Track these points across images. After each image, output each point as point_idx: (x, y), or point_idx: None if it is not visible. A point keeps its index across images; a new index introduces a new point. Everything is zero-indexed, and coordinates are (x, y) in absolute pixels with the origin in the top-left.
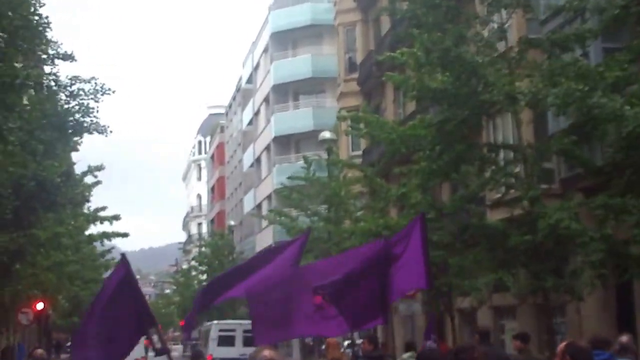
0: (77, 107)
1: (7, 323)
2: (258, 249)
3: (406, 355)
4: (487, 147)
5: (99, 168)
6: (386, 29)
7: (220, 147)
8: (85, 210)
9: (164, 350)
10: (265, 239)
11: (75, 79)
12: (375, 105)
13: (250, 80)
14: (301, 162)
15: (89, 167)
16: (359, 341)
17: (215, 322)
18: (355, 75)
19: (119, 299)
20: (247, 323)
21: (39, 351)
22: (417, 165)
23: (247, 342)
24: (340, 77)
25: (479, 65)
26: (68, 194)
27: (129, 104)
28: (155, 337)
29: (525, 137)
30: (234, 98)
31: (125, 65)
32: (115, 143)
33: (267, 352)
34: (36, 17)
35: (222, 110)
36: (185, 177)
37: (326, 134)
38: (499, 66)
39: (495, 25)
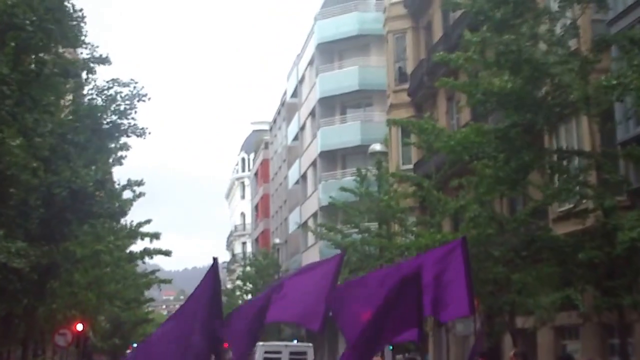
0: (113, 109)
1: (43, 344)
2: None
3: None
4: (558, 153)
5: (139, 183)
6: (438, 36)
7: (265, 163)
8: (125, 224)
9: None
10: (311, 256)
11: (113, 81)
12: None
13: (295, 94)
14: (347, 178)
15: (129, 180)
16: None
17: (261, 343)
18: (406, 85)
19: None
20: (293, 344)
21: None
22: (475, 177)
23: None
24: (390, 87)
25: (551, 65)
26: (104, 203)
27: (170, 124)
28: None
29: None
30: (278, 113)
31: (163, 82)
32: (157, 163)
33: None
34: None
35: (266, 127)
36: (228, 196)
37: (376, 147)
38: (571, 66)
39: (568, 22)
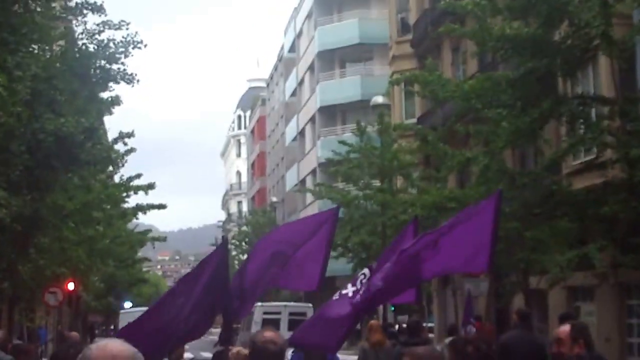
0: (103, 54)
1: (32, 303)
2: None
3: (448, 340)
4: (579, 100)
5: (130, 134)
6: None
7: (261, 120)
8: (117, 180)
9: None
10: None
11: (104, 24)
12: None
13: (292, 48)
14: (348, 134)
15: (120, 133)
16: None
17: (259, 304)
18: (409, 37)
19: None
20: (292, 305)
21: (74, 334)
22: (483, 126)
23: (293, 325)
24: (392, 39)
25: (569, 3)
26: (92, 150)
27: (161, 80)
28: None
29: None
30: (275, 68)
31: (157, 39)
32: (150, 121)
33: (267, 333)
34: None
35: (263, 84)
36: (223, 154)
37: (378, 99)
38: (591, 4)
39: None
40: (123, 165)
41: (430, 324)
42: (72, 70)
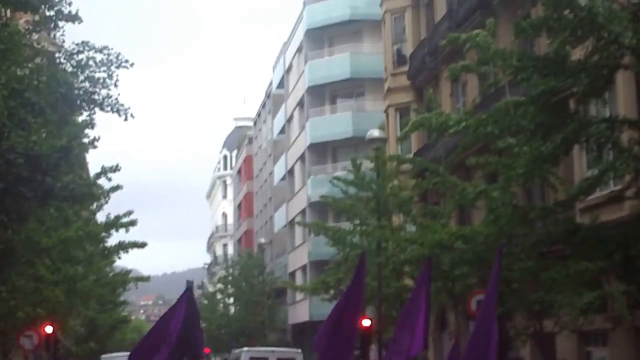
0: (84, 77)
1: (6, 347)
2: (291, 268)
3: None
4: (607, 123)
5: (114, 169)
6: (442, 14)
7: (248, 160)
8: (102, 218)
9: None
10: (299, 257)
11: (83, 45)
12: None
13: (281, 84)
14: (339, 173)
15: (103, 167)
16: None
17: (245, 349)
18: (405, 68)
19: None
20: (280, 350)
21: None
22: (493, 157)
23: None
24: (388, 71)
25: (597, 14)
26: (69, 182)
27: (143, 120)
28: None
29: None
30: (263, 105)
31: (137, 77)
32: (131, 163)
33: None
34: None
35: (249, 123)
36: (209, 196)
37: (375, 133)
38: (620, 15)
39: None
40: (106, 202)
41: None
42: (49, 88)
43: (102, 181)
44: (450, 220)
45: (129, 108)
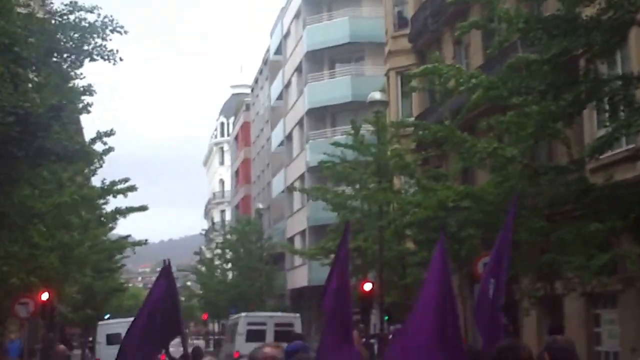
0: (74, 23)
1: (1, 315)
2: (289, 234)
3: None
4: (621, 80)
5: (109, 133)
6: None
7: (246, 126)
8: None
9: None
10: (297, 223)
11: (73, 5)
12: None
13: (279, 50)
14: (338, 137)
15: (98, 132)
16: None
17: (244, 314)
18: (406, 31)
19: (157, 310)
20: (279, 315)
21: (62, 348)
22: (505, 117)
23: (279, 337)
24: (388, 34)
25: None
26: (62, 139)
27: (144, 90)
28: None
29: None
30: (260, 72)
31: (134, 44)
32: (127, 134)
33: (268, 349)
34: None
35: (247, 90)
36: (206, 162)
37: (376, 95)
38: None
39: None
40: (101, 166)
41: None
42: (37, 41)
43: (97, 147)
44: (454, 183)
45: (117, 51)
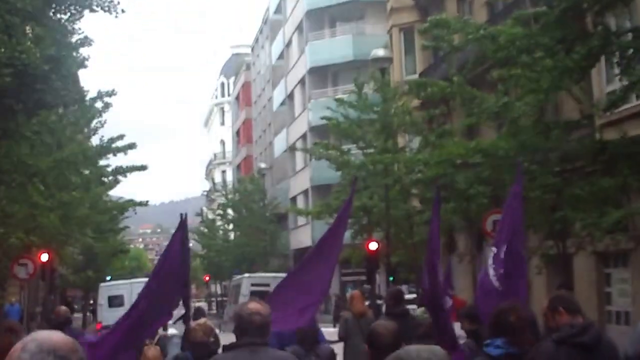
0: None
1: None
2: (292, 194)
3: (419, 310)
4: (635, 32)
5: (111, 93)
6: None
7: (246, 86)
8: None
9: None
10: (300, 182)
11: None
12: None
13: (278, 10)
14: (340, 96)
15: (99, 92)
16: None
17: (247, 275)
18: None
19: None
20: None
21: (63, 309)
22: (517, 70)
23: None
24: None
25: None
26: (62, 92)
27: (143, 52)
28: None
29: None
30: (260, 31)
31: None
32: (126, 96)
33: (252, 305)
34: None
35: (247, 50)
36: (207, 123)
37: (379, 52)
38: None
39: None
40: (102, 125)
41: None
42: None
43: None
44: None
45: (118, 3)
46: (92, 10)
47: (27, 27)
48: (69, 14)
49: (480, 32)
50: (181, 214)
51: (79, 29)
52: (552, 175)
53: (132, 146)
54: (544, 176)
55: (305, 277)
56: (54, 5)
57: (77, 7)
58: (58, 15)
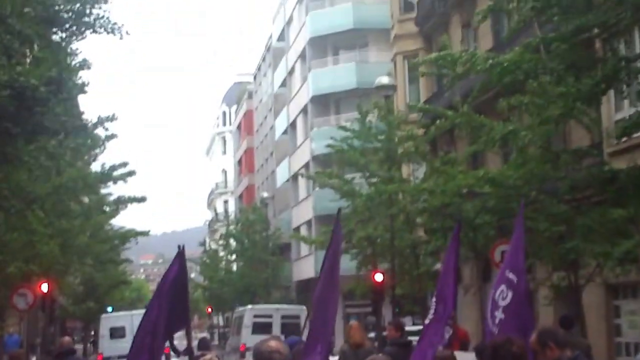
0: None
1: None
2: (295, 224)
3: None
4: None
5: (111, 118)
6: None
7: (248, 115)
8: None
9: (189, 352)
10: (303, 212)
11: None
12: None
13: (282, 37)
14: (343, 125)
15: (99, 117)
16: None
17: (249, 306)
18: (412, 14)
19: (166, 296)
20: (285, 307)
21: (66, 339)
22: (525, 97)
23: (285, 330)
24: (394, 17)
25: None
26: (63, 116)
27: (144, 80)
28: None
29: None
30: (263, 59)
31: (135, 36)
32: (127, 124)
33: (273, 343)
34: None
35: (249, 78)
36: (208, 152)
37: (384, 79)
38: None
39: None
40: (102, 152)
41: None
42: (35, 11)
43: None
44: (466, 168)
45: (122, 25)
46: (94, 31)
47: (27, 50)
48: (68, 32)
49: (488, 63)
50: (179, 246)
51: (76, 49)
52: (561, 204)
53: (132, 173)
54: (553, 206)
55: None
56: (54, 28)
57: (80, 28)
58: (59, 35)
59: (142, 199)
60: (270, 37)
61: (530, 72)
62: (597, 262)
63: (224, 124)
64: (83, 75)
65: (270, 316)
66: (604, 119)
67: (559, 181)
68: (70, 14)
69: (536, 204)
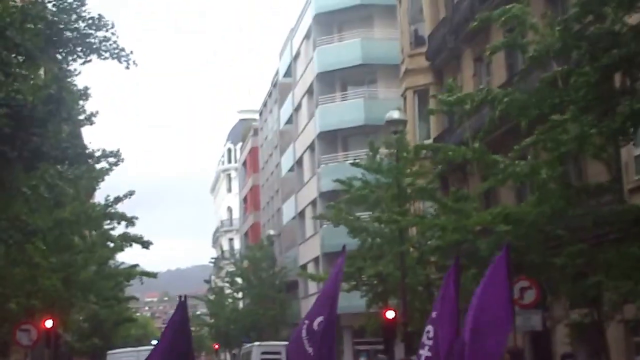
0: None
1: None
2: (302, 261)
3: None
4: None
5: (116, 153)
6: None
7: (254, 152)
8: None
9: None
10: (310, 249)
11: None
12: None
13: (288, 73)
14: (351, 161)
15: (103, 151)
16: None
17: (257, 343)
18: (423, 49)
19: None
20: None
21: None
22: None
23: None
24: (405, 52)
25: None
26: (63, 143)
27: (149, 116)
28: None
29: None
30: (269, 95)
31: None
32: (132, 160)
33: None
34: None
35: (254, 115)
36: (213, 190)
37: (394, 114)
38: None
39: None
40: (103, 180)
41: None
42: (36, 27)
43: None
44: (478, 205)
45: (131, 53)
46: (100, 56)
47: (24, 70)
48: (68, 52)
49: (504, 101)
50: (180, 296)
51: (75, 69)
52: (581, 242)
53: (133, 222)
54: (574, 243)
55: None
56: (58, 48)
57: (85, 50)
58: (61, 53)
59: (146, 243)
60: (277, 72)
61: (555, 105)
62: (623, 299)
63: (229, 162)
64: (88, 106)
65: (278, 353)
66: (623, 155)
67: (579, 217)
68: (74, 33)
69: (554, 240)
